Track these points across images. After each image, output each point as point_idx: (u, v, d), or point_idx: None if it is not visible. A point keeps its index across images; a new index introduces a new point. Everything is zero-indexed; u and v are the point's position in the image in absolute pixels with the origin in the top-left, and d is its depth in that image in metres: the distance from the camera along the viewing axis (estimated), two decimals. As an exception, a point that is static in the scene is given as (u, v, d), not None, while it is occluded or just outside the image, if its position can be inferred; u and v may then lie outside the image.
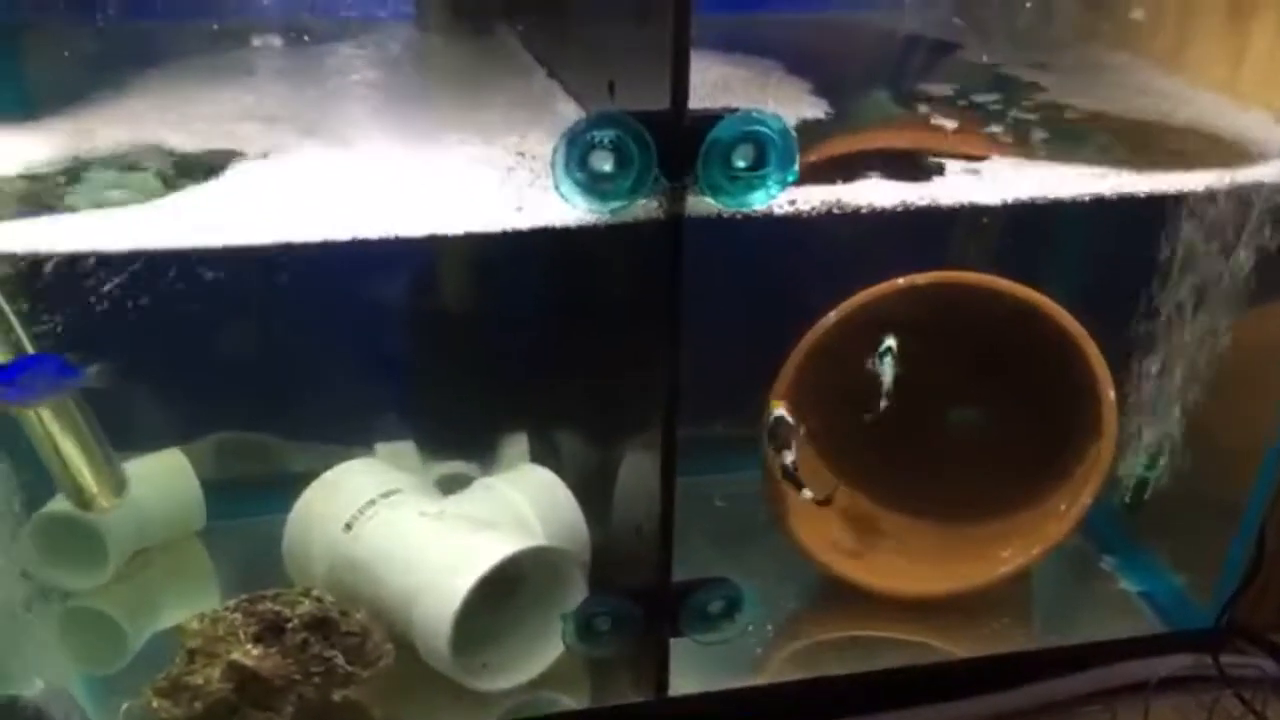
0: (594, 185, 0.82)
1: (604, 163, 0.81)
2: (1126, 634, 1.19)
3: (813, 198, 0.92)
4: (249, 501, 1.27)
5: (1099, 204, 0.99)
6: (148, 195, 0.90)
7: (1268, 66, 1.11)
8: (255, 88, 1.08)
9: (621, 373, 1.04)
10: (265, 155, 0.96)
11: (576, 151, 0.81)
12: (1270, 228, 1.07)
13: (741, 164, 0.83)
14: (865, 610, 1.18)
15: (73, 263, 0.86)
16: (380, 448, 1.28)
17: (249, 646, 0.93)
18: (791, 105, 1.07)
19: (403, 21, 1.24)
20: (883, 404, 1.09)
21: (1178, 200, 1.07)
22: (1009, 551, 1.16)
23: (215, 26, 1.13)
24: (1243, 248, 1.09)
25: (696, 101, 0.80)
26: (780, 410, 1.10)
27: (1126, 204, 1.00)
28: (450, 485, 1.22)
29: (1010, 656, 1.15)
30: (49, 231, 0.86)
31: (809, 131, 1.02)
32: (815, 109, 1.08)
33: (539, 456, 1.26)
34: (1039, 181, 1.00)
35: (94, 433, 1.06)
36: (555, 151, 0.81)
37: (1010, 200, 0.98)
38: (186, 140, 0.98)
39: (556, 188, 0.82)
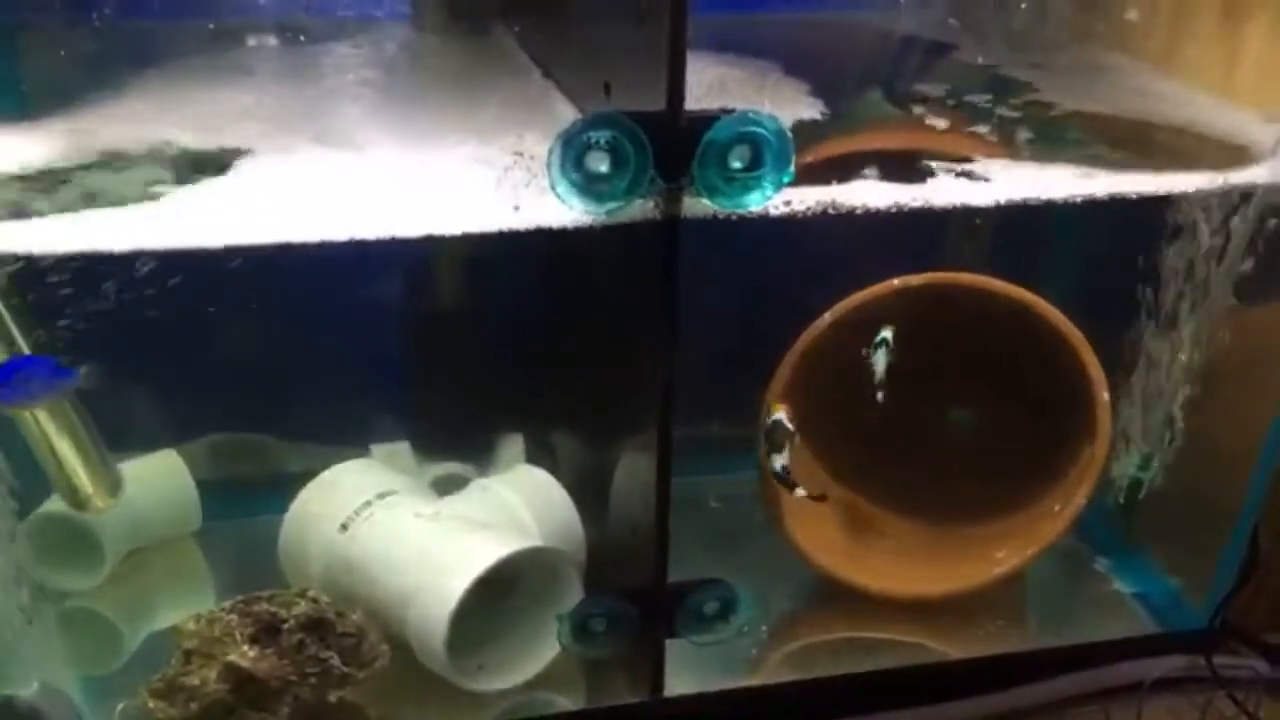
0: (590, 186, 0.82)
1: (600, 163, 0.81)
2: (1120, 635, 1.19)
3: (808, 198, 0.92)
4: (244, 502, 1.27)
5: (1093, 205, 1.00)
6: (142, 196, 0.90)
7: (1262, 68, 1.11)
8: (252, 88, 1.08)
9: (617, 373, 1.04)
10: (262, 156, 0.96)
11: (572, 152, 0.81)
12: (1264, 229, 1.07)
13: (737, 165, 0.83)
14: (860, 611, 1.18)
15: (67, 263, 0.86)
16: (376, 449, 1.28)
17: (245, 647, 0.93)
18: (788, 106, 1.07)
19: (399, 21, 1.24)
20: (878, 396, 1.09)
21: (1172, 201, 1.07)
22: (1003, 552, 1.16)
23: (212, 26, 1.13)
24: (1236, 249, 1.09)
25: (693, 102, 0.80)
26: (780, 414, 1.10)
27: (1121, 205, 1.01)
28: (446, 486, 1.22)
29: (1005, 657, 1.15)
30: (44, 232, 0.86)
31: (805, 132, 1.02)
32: (812, 110, 1.08)
33: (535, 457, 1.26)
34: (1032, 182, 1.00)
35: (89, 433, 1.06)
36: (551, 152, 0.81)
37: (1003, 201, 0.98)
38: (184, 140, 0.98)
39: (552, 188, 0.82)
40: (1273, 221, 1.07)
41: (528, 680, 1.05)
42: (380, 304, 1.25)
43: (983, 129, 1.09)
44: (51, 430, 1.03)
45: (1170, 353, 1.16)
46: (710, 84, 1.05)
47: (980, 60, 1.24)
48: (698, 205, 0.85)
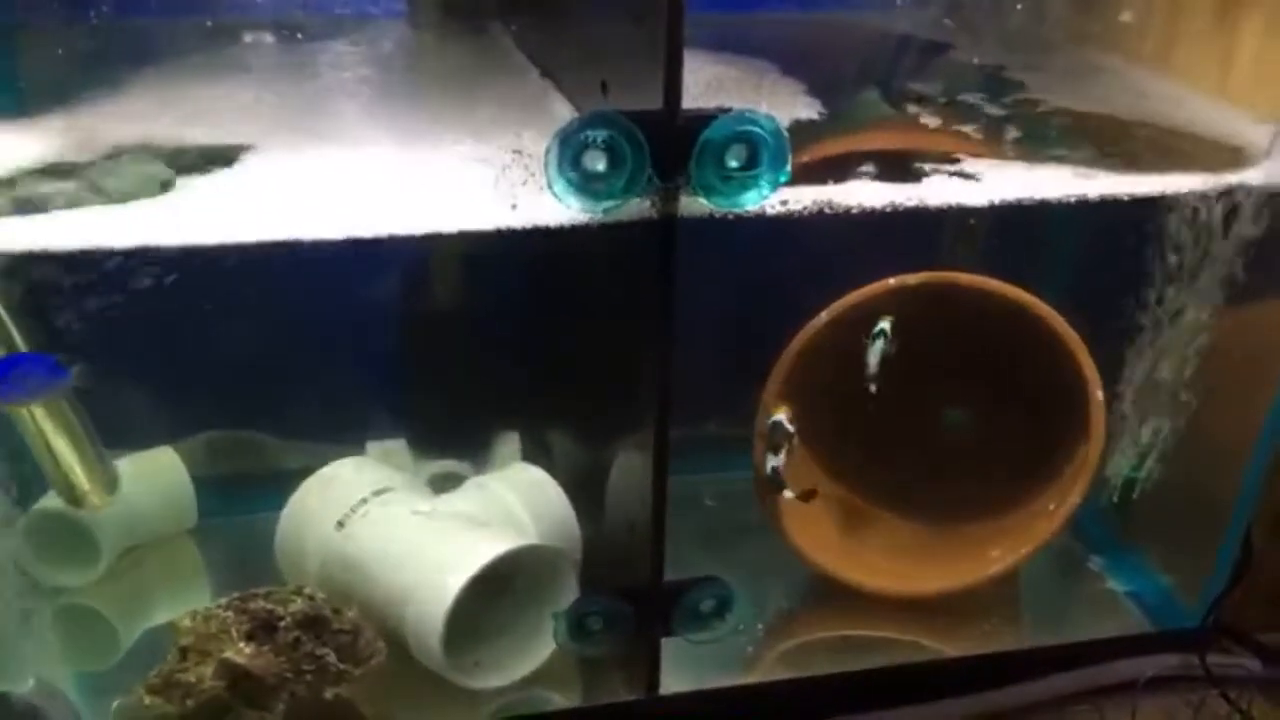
0: (587, 185, 0.82)
1: (597, 162, 0.81)
2: (1114, 633, 1.19)
3: (804, 198, 0.93)
4: (241, 499, 1.27)
5: (1088, 205, 1.00)
6: (139, 193, 0.90)
7: (1256, 69, 1.11)
8: (249, 86, 1.08)
9: (614, 372, 1.04)
10: (260, 154, 0.96)
11: (570, 151, 0.81)
12: (1257, 230, 1.08)
13: (734, 164, 0.83)
14: (855, 609, 1.18)
15: (64, 260, 0.86)
16: (372, 446, 1.28)
17: (241, 644, 0.93)
18: (785, 106, 1.07)
19: (395, 19, 1.24)
20: (870, 387, 1.09)
21: (1166, 202, 1.07)
22: (998, 551, 1.16)
23: (209, 23, 1.13)
24: (1230, 249, 1.09)
25: (690, 101, 0.80)
26: (780, 415, 1.11)
27: (1115, 205, 1.01)
28: (442, 484, 1.22)
29: (1000, 655, 1.15)
30: (41, 229, 0.86)
31: (802, 132, 1.02)
32: (809, 109, 1.08)
33: (531, 455, 1.26)
34: (1027, 183, 1.01)
35: (86, 430, 1.06)
36: (548, 151, 0.81)
37: (998, 201, 0.98)
38: (181, 138, 0.98)
39: (549, 187, 0.82)
40: (1266, 222, 1.07)
41: (524, 677, 1.05)
42: (377, 302, 1.25)
43: (978, 129, 1.09)
44: (48, 427, 1.03)
45: (1164, 353, 1.16)
46: (707, 83, 1.05)
47: (976, 60, 1.24)
48: (694, 204, 0.85)
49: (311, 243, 0.88)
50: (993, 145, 1.07)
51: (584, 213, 0.84)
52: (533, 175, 0.89)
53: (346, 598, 1.03)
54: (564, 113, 0.98)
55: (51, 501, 1.13)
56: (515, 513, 1.14)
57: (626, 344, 0.98)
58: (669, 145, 0.81)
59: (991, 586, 1.16)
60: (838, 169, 0.98)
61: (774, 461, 1.10)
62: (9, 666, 1.01)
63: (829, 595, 1.19)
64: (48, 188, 0.90)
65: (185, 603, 1.03)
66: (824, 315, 1.16)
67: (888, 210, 0.96)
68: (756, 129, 0.82)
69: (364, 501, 1.11)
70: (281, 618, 0.95)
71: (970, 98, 1.14)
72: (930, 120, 1.11)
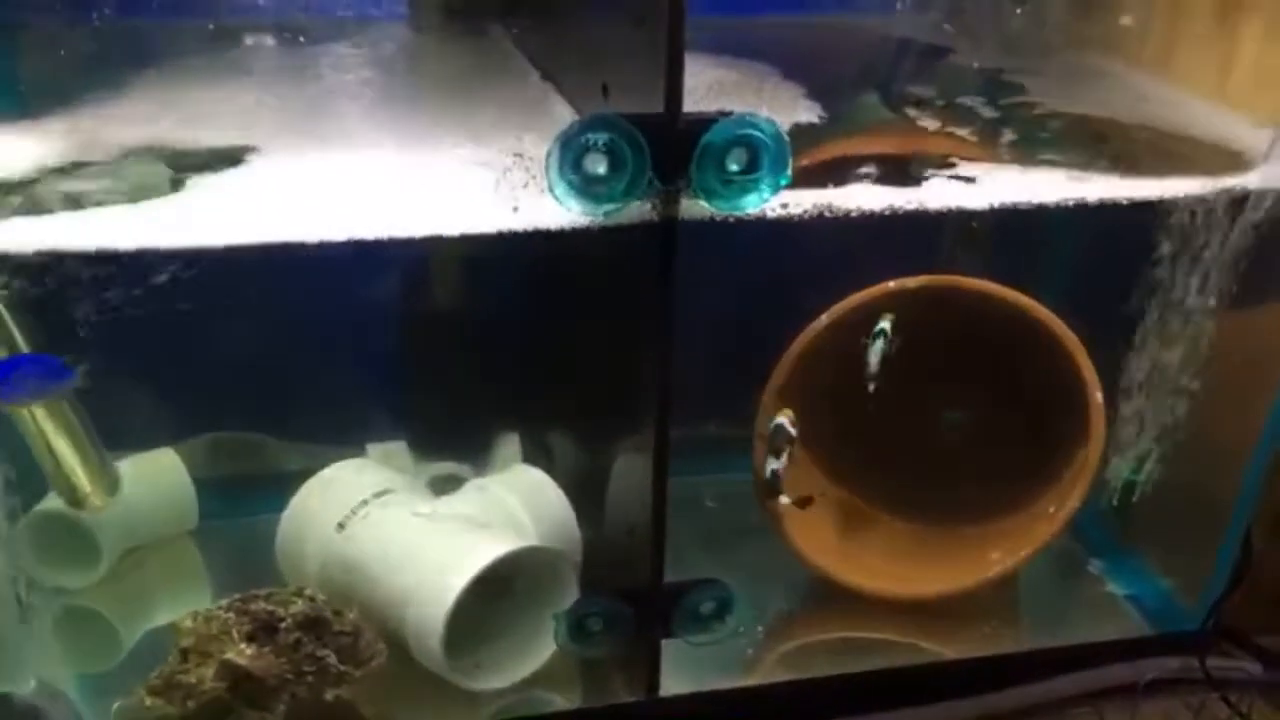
0: (588, 188, 0.82)
1: (598, 165, 0.81)
2: (1114, 636, 1.19)
3: (804, 201, 0.93)
4: (242, 501, 1.27)
5: (1087, 208, 1.00)
6: (141, 195, 0.90)
7: (1255, 73, 1.11)
8: (251, 88, 1.08)
9: (614, 374, 1.04)
10: (262, 156, 0.96)
11: (570, 154, 0.81)
12: (1257, 233, 1.08)
13: (735, 167, 0.83)
14: (855, 611, 1.18)
15: (66, 262, 0.86)
16: (372, 448, 1.28)
17: (242, 645, 0.93)
18: (786, 109, 1.08)
19: (396, 22, 1.24)
20: (869, 387, 1.10)
21: (1165, 205, 1.07)
22: (998, 554, 1.16)
23: (211, 26, 1.13)
24: (1230, 252, 1.09)
25: (691, 105, 0.80)
26: (783, 418, 1.11)
27: (1114, 208, 1.01)
28: (443, 486, 1.22)
29: (999, 658, 1.15)
30: (43, 231, 0.86)
31: (803, 136, 1.02)
32: (809, 113, 1.08)
33: (531, 457, 1.27)
34: (1026, 186, 1.01)
35: (87, 431, 1.06)
36: (549, 154, 0.81)
37: (997, 204, 0.99)
38: (183, 140, 0.98)
39: (550, 190, 0.82)
40: (1265, 225, 1.07)
41: (524, 679, 1.05)
42: (378, 304, 1.25)
43: (978, 133, 1.09)
44: (49, 428, 1.03)
45: (1164, 356, 1.16)
46: (708, 87, 1.05)
47: (976, 64, 1.25)
48: (695, 207, 0.85)
49: (313, 245, 0.88)
50: (992, 149, 1.07)
51: (585, 215, 0.85)
52: (534, 178, 0.89)
53: (347, 599, 1.03)
54: (565, 116, 0.98)
55: (52, 503, 1.13)
56: (516, 514, 1.14)
57: (627, 346, 0.98)
58: (670, 148, 0.81)
59: (991, 589, 1.16)
60: (838, 172, 0.98)
61: (775, 464, 1.10)
62: (10, 668, 1.01)
63: (829, 597, 1.19)
64: (49, 189, 0.90)
65: (186, 604, 1.03)
66: (824, 318, 1.16)
67: (887, 213, 0.96)
68: (757, 132, 0.82)
69: (365, 503, 1.11)
70: (282, 619, 0.95)
71: (970, 101, 1.14)
72: (930, 124, 1.11)
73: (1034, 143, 1.08)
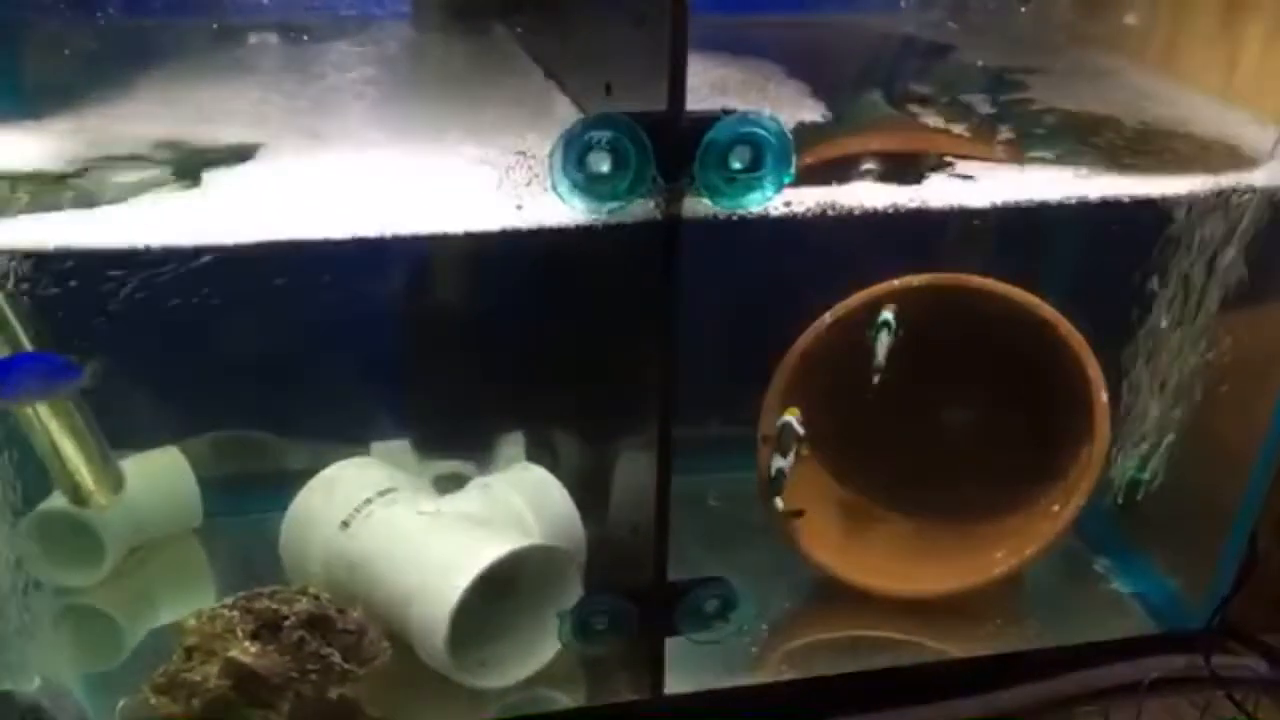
0: (591, 186, 0.82)
1: (601, 163, 0.81)
2: (1119, 635, 1.19)
3: (807, 199, 0.93)
4: (246, 499, 1.27)
5: (1091, 207, 1.00)
6: (145, 194, 0.91)
7: (1260, 70, 1.11)
8: (254, 87, 1.08)
9: (617, 372, 1.04)
10: (267, 154, 0.96)
11: (574, 152, 0.81)
12: (1262, 231, 1.08)
13: (738, 165, 0.83)
14: (859, 610, 1.18)
15: (70, 260, 0.87)
16: (376, 447, 1.28)
17: (246, 644, 0.93)
18: (790, 108, 1.08)
19: (399, 20, 1.24)
20: (875, 379, 1.09)
21: (1170, 203, 1.07)
22: (1002, 552, 1.16)
23: (215, 25, 1.13)
24: (1235, 251, 1.09)
25: (695, 104, 0.80)
26: (790, 417, 1.11)
27: (1119, 207, 1.01)
28: (446, 484, 1.23)
29: (1004, 657, 1.15)
30: (48, 229, 0.86)
31: (806, 134, 1.02)
32: (813, 112, 1.08)
33: (535, 456, 1.27)
34: (1029, 184, 1.00)
35: (91, 430, 1.06)
36: (552, 152, 0.81)
37: (1001, 203, 0.98)
38: (188, 138, 0.98)
39: (554, 188, 0.83)
40: (1270, 224, 1.07)
41: (528, 677, 1.06)
42: (382, 302, 1.25)
43: (981, 130, 1.09)
44: (53, 426, 1.03)
45: (1169, 354, 1.16)
46: (712, 85, 1.05)
47: (980, 62, 1.24)
48: (698, 205, 0.85)
49: (316, 243, 0.88)
50: (995, 147, 1.07)
51: (588, 214, 0.85)
52: (537, 176, 0.89)
53: (351, 598, 1.03)
54: (568, 114, 0.98)
55: (57, 501, 1.13)
56: (519, 513, 1.14)
57: (630, 344, 0.98)
58: (673, 146, 0.81)
59: (996, 588, 1.16)
60: (841, 171, 0.98)
61: (781, 463, 1.10)
62: (15, 665, 1.01)
63: (833, 596, 1.19)
64: (53, 187, 0.90)
65: (190, 602, 1.03)
66: (828, 316, 1.16)
67: (890, 211, 0.96)
68: (760, 130, 0.82)
69: (368, 502, 1.11)
70: (286, 617, 0.95)
71: (973, 99, 1.14)
72: (933, 122, 1.11)
73: (1037, 141, 1.08)
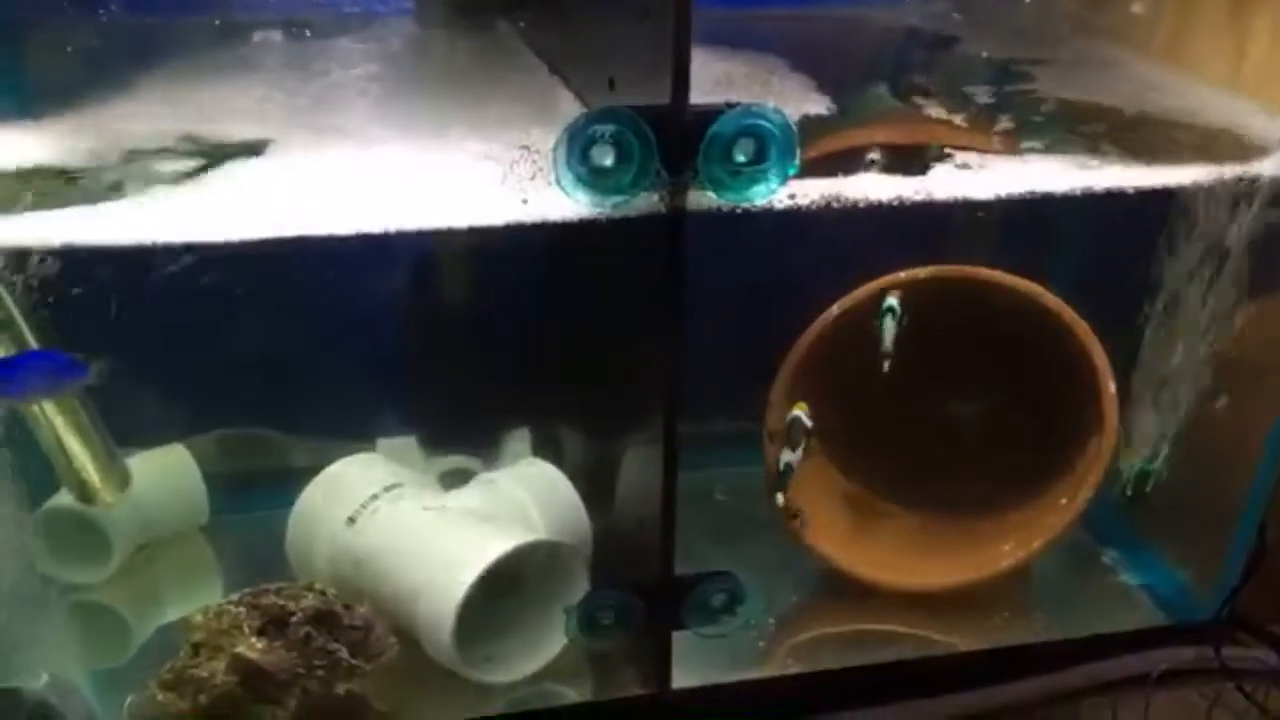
0: (595, 179, 0.82)
1: (605, 157, 0.81)
2: (1128, 627, 1.19)
3: (811, 191, 0.92)
4: (252, 496, 1.27)
5: (1098, 197, 0.99)
6: (149, 191, 0.91)
7: (1268, 60, 1.11)
8: (258, 84, 1.08)
9: (623, 367, 1.04)
10: (270, 151, 0.96)
11: (577, 146, 0.81)
12: (1271, 222, 1.07)
13: (742, 158, 0.83)
14: (867, 604, 1.18)
15: (76, 258, 0.87)
16: (382, 443, 1.28)
17: (253, 640, 0.93)
18: (794, 101, 1.07)
19: (402, 17, 1.24)
20: (884, 365, 1.09)
21: (1178, 193, 1.07)
22: (1010, 545, 1.16)
23: (218, 22, 1.13)
24: (1244, 241, 1.09)
25: (699, 98, 0.80)
26: (799, 411, 1.10)
27: (1126, 197, 1.01)
28: (452, 480, 1.23)
29: (1011, 650, 1.15)
30: (54, 226, 0.86)
31: (811, 127, 1.02)
32: (818, 105, 1.08)
33: (541, 451, 1.27)
34: (1035, 175, 1.00)
35: (97, 427, 1.06)
36: (556, 146, 0.81)
37: (1006, 194, 0.98)
38: (192, 135, 0.98)
39: (557, 182, 0.82)
40: (1278, 214, 1.07)
41: (535, 672, 1.06)
42: (387, 298, 1.25)
43: (985, 122, 1.09)
44: (60, 424, 1.03)
45: (1177, 344, 1.16)
46: (716, 80, 1.05)
47: (985, 54, 1.24)
48: (703, 198, 0.85)
49: (321, 239, 0.88)
50: (1000, 138, 1.06)
51: (592, 207, 0.84)
52: (541, 171, 0.89)
53: (357, 593, 1.03)
54: (572, 109, 0.98)
55: (63, 499, 1.13)
56: (525, 508, 1.14)
57: (636, 338, 0.98)
58: (677, 139, 0.81)
59: (1003, 581, 1.16)
60: (846, 163, 0.98)
61: (789, 457, 1.10)
62: (22, 662, 1.01)
63: (840, 589, 1.19)
64: (57, 185, 0.90)
65: (197, 599, 1.04)
66: (834, 309, 1.16)
67: (895, 204, 0.95)
68: (764, 123, 0.82)
69: (374, 498, 1.11)
70: (293, 613, 0.95)
71: (978, 91, 1.14)
72: (938, 114, 1.10)
73: (1043, 131, 1.08)
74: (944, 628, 1.16)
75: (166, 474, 1.24)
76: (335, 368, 1.22)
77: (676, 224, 0.85)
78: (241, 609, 0.96)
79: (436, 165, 0.97)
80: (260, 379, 1.23)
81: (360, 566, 1.07)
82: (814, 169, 0.92)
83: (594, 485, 1.14)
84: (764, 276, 1.22)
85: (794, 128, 0.83)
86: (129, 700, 0.95)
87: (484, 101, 1.07)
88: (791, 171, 0.84)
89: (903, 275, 1.14)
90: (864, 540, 1.22)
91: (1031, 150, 1.04)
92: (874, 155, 1.00)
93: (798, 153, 0.84)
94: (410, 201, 0.91)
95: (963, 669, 1.13)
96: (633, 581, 1.01)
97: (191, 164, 0.94)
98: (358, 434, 1.25)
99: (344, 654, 0.96)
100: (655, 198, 0.84)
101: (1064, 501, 1.14)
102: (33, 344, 0.96)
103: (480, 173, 0.93)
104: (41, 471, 1.06)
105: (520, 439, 1.30)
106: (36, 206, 0.88)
